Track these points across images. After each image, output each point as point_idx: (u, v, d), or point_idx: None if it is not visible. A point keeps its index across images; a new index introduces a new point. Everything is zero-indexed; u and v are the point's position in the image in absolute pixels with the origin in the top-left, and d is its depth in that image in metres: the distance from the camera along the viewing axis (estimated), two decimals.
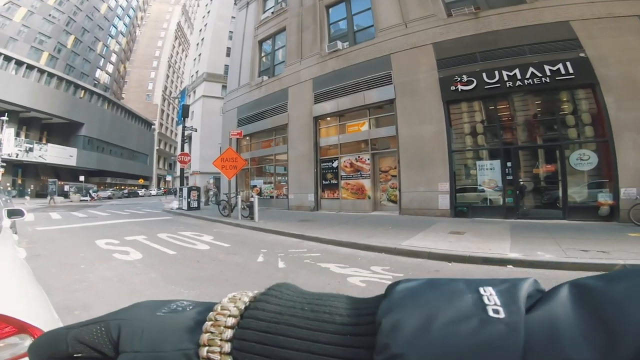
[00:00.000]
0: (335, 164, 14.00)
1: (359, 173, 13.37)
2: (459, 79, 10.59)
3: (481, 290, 0.25)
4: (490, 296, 0.24)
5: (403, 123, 11.81)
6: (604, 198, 8.64)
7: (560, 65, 9.17)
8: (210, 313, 0.31)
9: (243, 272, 4.97)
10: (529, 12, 10.03)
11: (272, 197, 16.70)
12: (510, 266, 4.99)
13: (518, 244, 6.03)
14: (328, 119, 14.58)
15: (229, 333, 0.29)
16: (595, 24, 9.12)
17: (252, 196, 13.77)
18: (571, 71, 9.07)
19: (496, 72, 10.01)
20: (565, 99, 9.80)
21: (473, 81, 10.39)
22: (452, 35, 11.06)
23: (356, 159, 13.48)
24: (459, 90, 10.62)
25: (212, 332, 0.29)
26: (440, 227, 8.34)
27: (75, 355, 0.33)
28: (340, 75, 13.76)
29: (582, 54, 9.12)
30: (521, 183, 10.04)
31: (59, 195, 32.00)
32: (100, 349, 0.32)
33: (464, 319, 0.23)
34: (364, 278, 4.54)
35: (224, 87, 30.42)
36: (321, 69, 14.58)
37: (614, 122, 8.56)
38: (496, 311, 0.23)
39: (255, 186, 17.82)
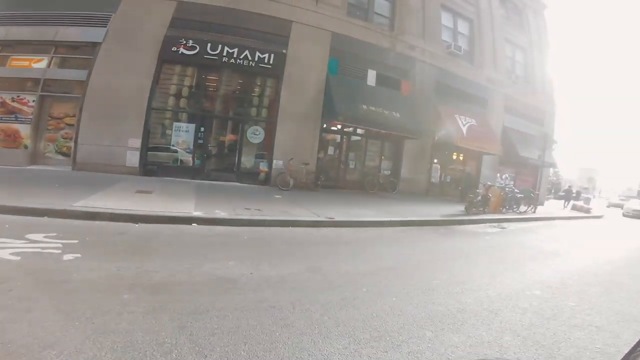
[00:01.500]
0: None
1: (13, 116, 9.76)
2: (185, 42, 10.37)
3: None
4: None
5: (101, 70, 9.95)
6: (263, 166, 11.47)
7: (267, 55, 11.01)
8: None
9: None
10: (275, 3, 11.17)
11: None
12: (195, 224, 5.56)
13: (201, 203, 6.77)
14: None
15: None
16: (303, 28, 11.56)
17: None
18: (271, 62, 11.11)
19: (220, 46, 10.58)
20: (258, 83, 11.87)
21: (196, 48, 10.45)
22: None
23: (13, 98, 9.80)
24: (180, 52, 10.41)
25: None
26: (126, 186, 7.78)
27: None
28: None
29: (284, 51, 11.34)
30: (209, 147, 11.27)
31: None
32: None
33: None
34: (17, 250, 3.47)
35: None
36: None
37: (282, 110, 11.35)
38: None
39: None
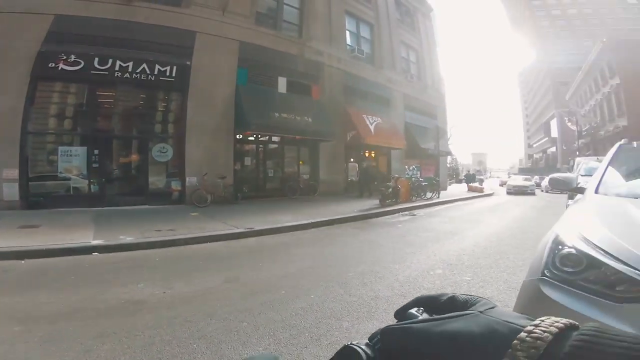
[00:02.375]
0: None
1: None
2: (66, 57, 9.07)
3: None
4: None
5: None
6: (175, 185, 10.75)
7: (168, 68, 10.30)
8: (529, 325, 0.31)
9: None
10: (175, 14, 10.46)
11: None
12: (96, 253, 4.99)
13: (102, 231, 6.08)
14: None
15: (550, 336, 0.29)
16: (209, 39, 11.05)
17: None
18: (174, 75, 10.42)
19: (110, 60, 9.56)
20: (161, 98, 11.09)
21: (81, 63, 9.26)
22: (95, 12, 9.48)
23: None
24: (60, 68, 9.07)
25: (538, 326, 0.30)
26: (5, 222, 6.56)
27: None
28: None
29: (188, 62, 10.69)
30: (111, 170, 10.13)
31: None
32: None
33: None
34: None
35: None
36: None
37: (189, 123, 10.74)
38: None
39: None
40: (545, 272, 1.63)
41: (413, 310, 0.43)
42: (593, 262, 1.50)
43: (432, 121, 20.23)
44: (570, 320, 0.32)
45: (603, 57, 30.32)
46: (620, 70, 28.03)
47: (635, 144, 3.07)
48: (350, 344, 0.40)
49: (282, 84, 13.23)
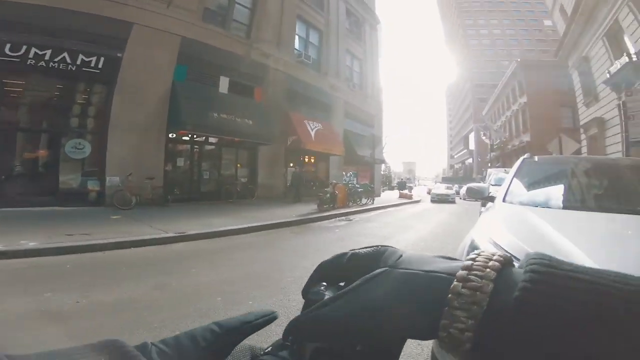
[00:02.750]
0: None
1: None
2: None
3: None
4: None
5: None
6: (92, 185, 9.62)
7: (94, 58, 9.26)
8: (471, 256, 0.28)
9: None
10: (111, 3, 9.45)
11: None
12: None
13: None
14: None
15: (491, 274, 0.25)
16: (147, 31, 10.17)
17: None
18: (100, 66, 9.39)
19: (25, 47, 8.35)
20: (81, 90, 9.83)
21: None
22: None
23: None
24: None
25: (472, 268, 0.26)
26: None
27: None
28: None
29: (119, 54, 9.68)
30: (14, 167, 8.72)
31: None
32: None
33: None
34: None
35: None
36: None
37: (113, 119, 9.72)
38: None
39: None
40: None
41: (318, 288, 0.36)
42: None
43: (369, 129, 21.23)
44: (505, 254, 0.28)
45: (515, 76, 33.69)
46: (528, 90, 31.28)
47: (536, 158, 3.57)
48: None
49: (224, 83, 12.75)
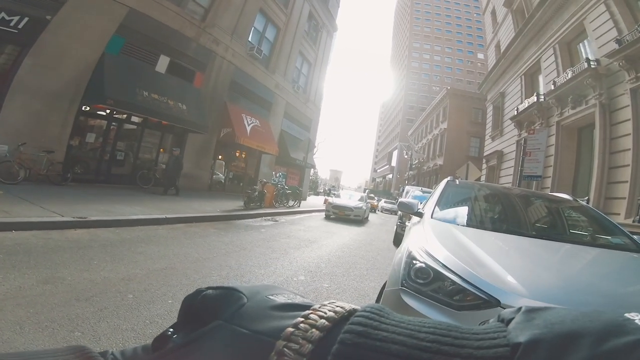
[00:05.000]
0: None
1: None
2: None
3: (627, 315, 0.23)
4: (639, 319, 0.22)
5: None
6: None
7: (17, 18, 8.09)
8: (306, 311, 0.29)
9: None
10: None
11: None
12: None
13: None
14: None
15: (316, 335, 0.26)
16: None
17: None
18: (20, 26, 8.19)
19: None
20: None
21: None
22: None
23: None
24: None
25: (298, 329, 0.27)
26: None
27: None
28: None
29: (48, 17, 8.49)
30: None
31: None
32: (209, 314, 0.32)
33: (614, 337, 0.21)
34: None
35: None
36: None
37: (18, 82, 8.36)
38: None
39: None
40: (404, 282, 1.87)
41: (166, 332, 0.35)
42: (437, 275, 1.81)
43: (305, 133, 21.40)
44: (351, 307, 0.29)
45: (442, 103, 37.09)
46: (449, 117, 34.65)
47: (457, 181, 3.96)
48: None
49: (163, 63, 11.68)
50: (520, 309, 0.26)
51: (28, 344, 1.99)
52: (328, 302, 0.30)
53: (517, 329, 0.24)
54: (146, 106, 10.25)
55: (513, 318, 0.25)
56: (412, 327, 0.25)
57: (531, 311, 0.26)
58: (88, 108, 9.96)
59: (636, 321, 0.22)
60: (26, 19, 8.37)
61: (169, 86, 11.38)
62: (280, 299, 0.33)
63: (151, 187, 11.19)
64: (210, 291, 0.36)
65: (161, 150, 12.81)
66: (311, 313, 0.28)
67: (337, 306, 0.29)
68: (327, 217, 14.14)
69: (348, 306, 0.29)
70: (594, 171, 11.32)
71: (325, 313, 0.28)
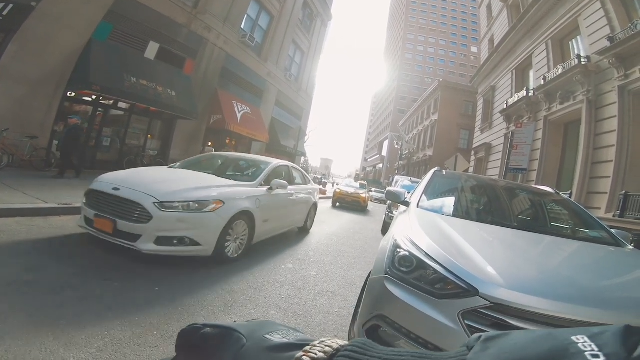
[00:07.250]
0: None
1: None
2: None
3: (574, 338, 0.25)
4: (585, 343, 0.24)
5: None
6: None
7: (2, 5, 7.97)
8: (299, 353, 0.32)
9: None
10: None
11: None
12: None
13: None
14: None
15: None
16: None
17: None
18: (5, 13, 8.00)
19: None
20: None
21: None
22: None
23: None
24: None
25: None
26: None
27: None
28: None
29: (33, 3, 8.18)
30: None
31: None
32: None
33: None
34: None
35: None
36: None
37: (0, 67, 8.09)
38: (595, 356, 0.22)
39: None
40: (388, 270, 1.91)
41: None
42: (420, 264, 1.84)
43: (296, 121, 21.26)
44: (340, 342, 0.33)
45: (434, 95, 37.17)
46: (440, 109, 34.87)
47: (444, 171, 4.00)
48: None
49: (152, 49, 11.38)
50: (480, 337, 0.29)
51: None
52: (318, 341, 0.33)
53: (473, 359, 0.27)
54: (133, 92, 10.01)
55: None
56: (392, 356, 0.29)
57: (488, 340, 0.28)
58: (73, 94, 9.70)
59: (579, 345, 0.24)
60: (11, 5, 8.15)
61: (157, 72, 11.12)
62: (276, 338, 0.35)
63: None
64: (208, 329, 0.36)
65: (149, 136, 12.58)
66: (304, 355, 0.31)
67: (326, 345, 0.32)
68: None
69: (336, 344, 0.32)
70: (578, 166, 11.59)
71: (316, 354, 0.31)
